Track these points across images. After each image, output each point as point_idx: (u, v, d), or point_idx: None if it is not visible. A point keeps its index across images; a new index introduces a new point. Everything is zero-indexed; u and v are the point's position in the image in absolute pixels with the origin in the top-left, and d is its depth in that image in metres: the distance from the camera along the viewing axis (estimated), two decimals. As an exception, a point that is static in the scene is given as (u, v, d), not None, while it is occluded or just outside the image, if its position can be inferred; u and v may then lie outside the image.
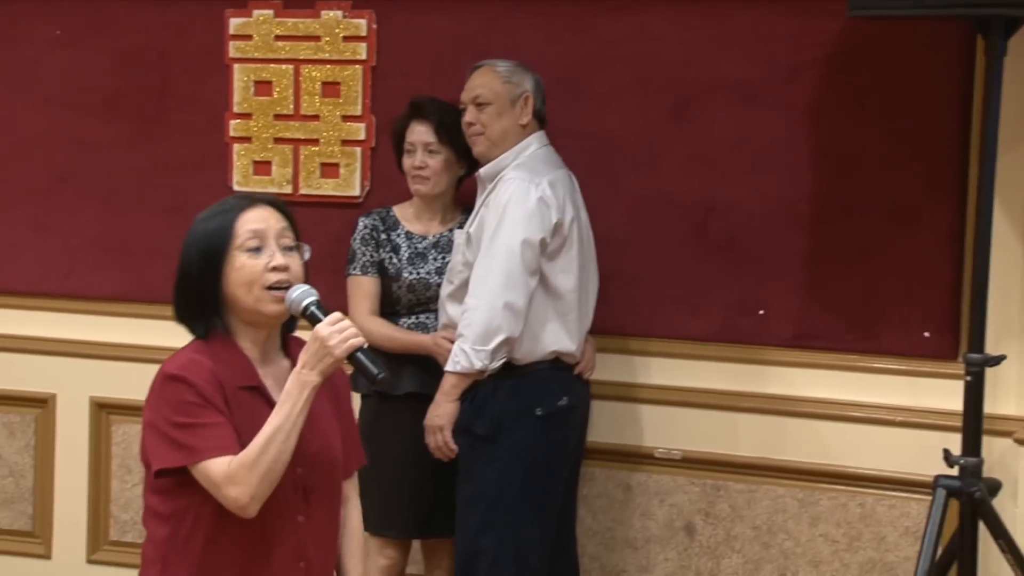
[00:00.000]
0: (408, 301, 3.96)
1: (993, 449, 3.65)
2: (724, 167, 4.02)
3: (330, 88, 4.36)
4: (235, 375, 2.62)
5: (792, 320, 4.00)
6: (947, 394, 3.71)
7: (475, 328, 3.64)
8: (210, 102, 4.47)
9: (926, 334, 3.86)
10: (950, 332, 3.84)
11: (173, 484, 2.58)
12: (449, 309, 3.81)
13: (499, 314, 3.62)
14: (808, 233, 3.95)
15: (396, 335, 3.94)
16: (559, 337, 3.76)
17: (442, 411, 3.73)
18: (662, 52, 4.05)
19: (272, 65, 4.40)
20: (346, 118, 4.35)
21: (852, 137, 3.90)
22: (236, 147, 4.46)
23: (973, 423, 3.39)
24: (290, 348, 2.75)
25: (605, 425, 4.10)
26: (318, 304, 2.63)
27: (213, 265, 2.62)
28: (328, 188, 4.38)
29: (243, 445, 2.54)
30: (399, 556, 4.02)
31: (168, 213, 4.53)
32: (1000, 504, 3.46)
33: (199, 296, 2.65)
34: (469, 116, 3.84)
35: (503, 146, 3.80)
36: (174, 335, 4.45)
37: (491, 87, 3.81)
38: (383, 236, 4.00)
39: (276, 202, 2.74)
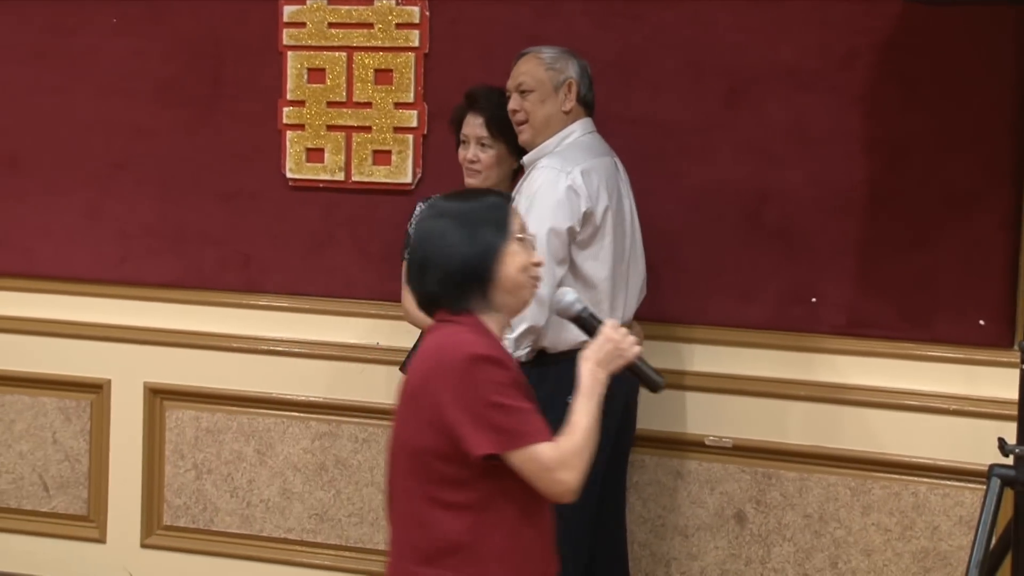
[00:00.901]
0: (456, 285, 3.99)
1: (1049, 438, 3.63)
2: (777, 154, 4.02)
3: (383, 75, 4.39)
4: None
5: (845, 308, 3.99)
6: (1002, 382, 3.70)
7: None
8: (264, 89, 4.51)
9: (981, 322, 3.85)
10: (1006, 320, 3.83)
11: (472, 473, 2.61)
12: None
13: None
14: (861, 221, 3.94)
15: (436, 319, 3.97)
16: None
17: None
18: (715, 38, 4.05)
19: (325, 52, 4.44)
20: (398, 105, 4.38)
21: (906, 124, 3.89)
22: (289, 134, 4.49)
23: (1029, 412, 3.37)
24: None
25: (655, 413, 4.10)
26: (590, 310, 2.86)
27: (494, 251, 2.71)
28: (380, 175, 4.41)
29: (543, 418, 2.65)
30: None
31: (222, 200, 4.59)
32: (1055, 494, 3.44)
33: (470, 278, 2.71)
34: (513, 104, 3.85)
35: (547, 133, 3.81)
36: (227, 321, 4.59)
37: (534, 74, 3.81)
38: (437, 221, 4.03)
39: (511, 199, 2.89)
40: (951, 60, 3.83)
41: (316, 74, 4.46)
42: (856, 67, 3.93)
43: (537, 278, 2.77)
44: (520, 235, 2.75)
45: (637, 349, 2.76)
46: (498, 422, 2.56)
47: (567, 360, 3.73)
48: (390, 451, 2.76)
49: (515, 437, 2.56)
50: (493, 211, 2.75)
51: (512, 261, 2.71)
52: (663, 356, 4.10)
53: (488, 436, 2.56)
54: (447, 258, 2.71)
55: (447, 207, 2.78)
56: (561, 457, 2.58)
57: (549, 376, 3.75)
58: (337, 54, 4.43)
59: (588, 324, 2.83)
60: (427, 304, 2.77)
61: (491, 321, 2.74)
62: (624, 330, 2.77)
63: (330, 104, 4.45)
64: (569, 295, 2.85)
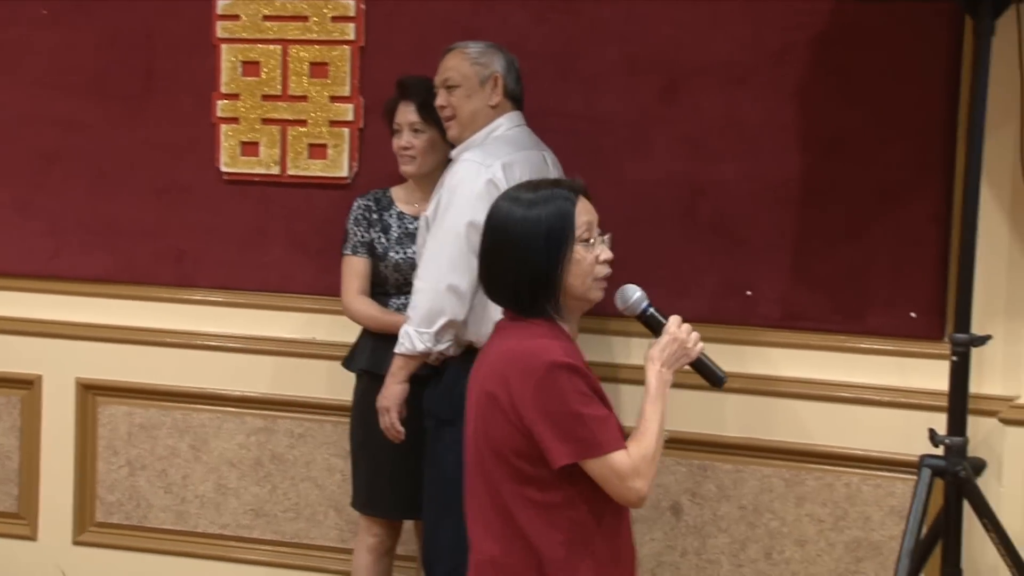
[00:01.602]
0: (395, 281, 4.00)
1: (978, 429, 3.69)
2: (713, 149, 4.05)
3: (318, 68, 4.38)
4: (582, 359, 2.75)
5: (779, 301, 4.04)
6: (933, 374, 3.74)
7: (419, 310, 3.67)
8: (197, 83, 4.49)
9: (912, 314, 3.90)
10: (936, 312, 3.88)
11: (557, 475, 2.64)
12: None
13: (442, 296, 3.64)
14: (796, 214, 3.98)
15: (377, 315, 3.98)
16: None
17: (388, 392, 3.76)
18: (650, 33, 4.08)
19: (260, 45, 4.43)
20: (334, 99, 4.38)
21: (840, 118, 3.94)
22: (223, 128, 4.47)
23: (958, 403, 3.42)
24: None
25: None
26: (655, 307, 2.85)
27: (558, 254, 2.71)
28: (316, 169, 4.40)
29: (619, 427, 2.67)
30: (386, 535, 4.06)
31: (155, 194, 4.56)
32: (984, 483, 3.49)
33: (537, 284, 2.73)
34: (440, 99, 3.85)
35: (473, 127, 3.82)
36: (161, 316, 4.57)
37: (459, 69, 3.82)
38: (375, 216, 4.04)
39: (587, 190, 2.85)
40: (883, 54, 3.88)
41: (250, 67, 4.44)
42: (790, 62, 3.97)
43: (604, 276, 2.77)
44: (587, 235, 2.74)
45: (701, 346, 2.78)
46: (575, 431, 2.61)
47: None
48: (470, 450, 2.79)
49: (592, 446, 2.61)
50: (556, 219, 2.72)
51: (576, 269, 2.72)
52: (598, 350, 4.13)
53: (566, 445, 2.61)
54: (513, 271, 2.75)
55: (514, 214, 2.76)
56: (633, 465, 2.63)
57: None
58: (272, 47, 4.41)
59: (653, 322, 2.82)
60: (501, 303, 2.81)
61: (564, 323, 2.77)
62: (688, 327, 2.77)
63: (265, 97, 4.43)
64: (635, 293, 2.81)
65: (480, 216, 3.64)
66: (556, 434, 2.61)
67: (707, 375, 2.84)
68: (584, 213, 2.75)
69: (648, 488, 2.65)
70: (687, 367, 2.84)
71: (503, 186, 3.68)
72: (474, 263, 3.65)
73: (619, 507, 2.73)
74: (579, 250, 2.72)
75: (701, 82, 4.05)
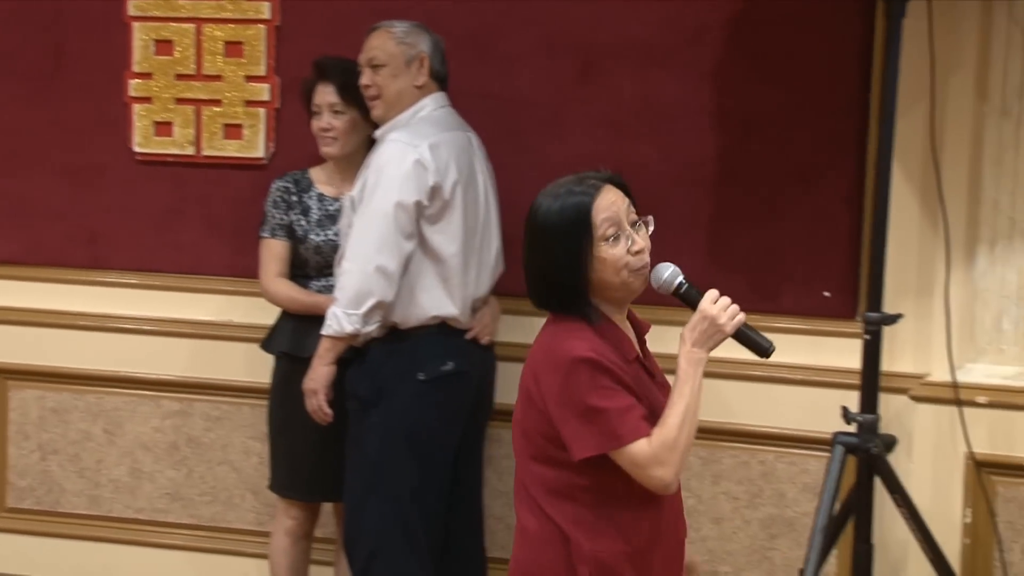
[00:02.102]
0: (316, 263, 3.99)
1: (889, 406, 3.76)
2: (630, 129, 4.08)
3: (233, 48, 4.36)
4: (623, 349, 2.68)
5: (694, 280, 4.02)
6: (846, 352, 3.80)
7: (347, 292, 3.67)
8: (109, 61, 4.44)
9: (826, 293, 3.96)
10: (849, 291, 3.94)
11: (593, 461, 2.62)
12: (337, 272, 3.85)
13: (370, 277, 3.65)
14: (711, 194, 4.03)
15: (299, 297, 3.98)
16: (440, 301, 3.78)
17: (316, 374, 3.76)
18: (568, 14, 4.09)
19: (173, 24, 4.39)
20: (249, 78, 4.35)
21: (754, 99, 3.98)
22: (136, 107, 4.43)
23: (870, 381, 3.49)
24: (630, 314, 2.82)
25: (511, 387, 4.10)
26: (689, 282, 2.72)
27: (578, 258, 2.64)
28: (232, 149, 4.38)
29: (651, 416, 2.62)
30: (304, 518, 4.07)
31: (66, 175, 4.52)
32: (895, 460, 3.57)
33: (569, 286, 2.67)
34: (365, 78, 3.84)
35: (399, 107, 3.82)
36: (73, 298, 4.52)
37: (385, 48, 3.82)
38: (294, 198, 4.02)
39: (615, 179, 2.76)
40: (797, 36, 3.93)
41: (164, 46, 4.40)
42: (706, 42, 4.01)
43: (640, 266, 2.68)
44: (612, 231, 2.65)
45: (737, 320, 2.67)
46: (594, 425, 2.59)
47: (417, 335, 3.79)
48: (515, 442, 2.78)
49: (611, 439, 2.59)
50: (574, 221, 2.65)
51: (606, 267, 2.65)
52: (522, 330, 4.14)
53: (586, 439, 2.60)
54: (540, 277, 2.71)
55: (540, 214, 2.70)
56: (654, 454, 2.60)
57: (401, 352, 3.78)
58: (185, 26, 4.38)
59: (690, 298, 2.72)
60: (543, 307, 2.76)
61: (611, 312, 2.71)
62: (726, 300, 2.69)
63: (179, 77, 4.40)
64: (667, 271, 2.73)
65: (407, 196, 3.67)
66: (577, 427, 2.61)
67: (751, 346, 2.72)
68: (604, 210, 2.67)
69: (672, 475, 2.61)
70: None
71: (430, 166, 3.69)
72: (402, 244, 3.68)
73: (661, 513, 2.72)
74: (605, 248, 2.64)
75: (618, 63, 4.08)
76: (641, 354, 2.76)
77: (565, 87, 4.12)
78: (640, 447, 2.60)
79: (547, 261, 2.68)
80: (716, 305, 2.67)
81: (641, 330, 2.83)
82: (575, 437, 2.62)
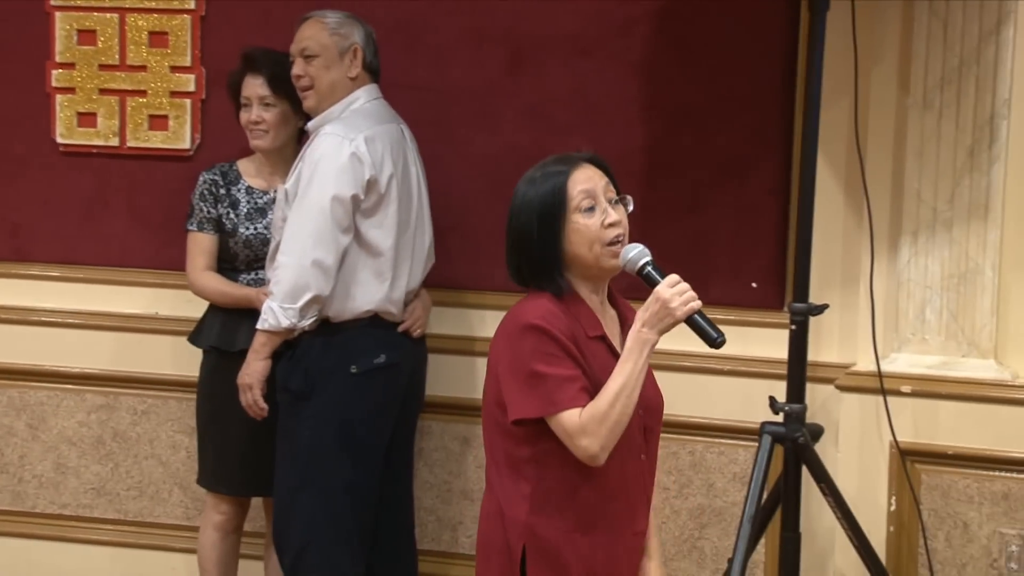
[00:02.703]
0: (246, 257, 3.98)
1: (816, 396, 3.81)
2: (559, 120, 4.10)
3: (157, 38, 4.33)
4: (586, 326, 2.75)
5: (625, 272, 4.08)
6: (773, 343, 3.83)
7: (284, 285, 3.66)
8: (30, 51, 4.40)
9: (753, 285, 4.00)
10: (776, 282, 3.99)
11: (534, 430, 2.70)
12: (269, 266, 3.84)
13: (307, 272, 3.64)
14: (640, 185, 4.03)
15: (227, 289, 3.96)
16: (374, 295, 3.78)
17: (251, 369, 3.75)
18: (497, 5, 4.10)
19: (96, 14, 4.35)
20: (175, 69, 4.33)
21: (682, 91, 4.01)
22: (59, 98, 4.39)
23: (797, 371, 3.53)
24: (615, 299, 2.91)
25: (442, 379, 4.16)
26: (654, 264, 2.76)
27: (552, 229, 2.72)
28: (157, 141, 4.35)
29: (597, 391, 2.68)
30: (234, 512, 4.06)
31: (-12, 166, 4.47)
32: (822, 449, 3.61)
33: (541, 258, 2.74)
34: (297, 69, 3.82)
35: (332, 99, 3.81)
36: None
37: (318, 39, 3.80)
38: (222, 191, 3.99)
39: (594, 158, 2.83)
40: (724, 29, 3.96)
41: (87, 36, 4.36)
42: (634, 34, 4.03)
43: (615, 240, 2.75)
44: (587, 203, 2.73)
45: (690, 307, 2.70)
46: (533, 389, 2.67)
47: (350, 329, 3.79)
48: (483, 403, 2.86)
49: (547, 404, 2.67)
50: (550, 192, 2.73)
51: (579, 239, 2.73)
52: (453, 322, 4.17)
53: (523, 402, 2.68)
54: (515, 250, 2.78)
55: (521, 183, 2.80)
56: (582, 424, 2.66)
57: (334, 345, 3.78)
58: (109, 15, 4.34)
59: (651, 280, 2.75)
60: (520, 284, 2.82)
61: (584, 289, 2.79)
62: (684, 286, 2.72)
63: (102, 67, 4.36)
64: (634, 251, 2.77)
65: (344, 190, 3.67)
66: (516, 390, 2.69)
67: (701, 334, 2.75)
68: (582, 182, 2.75)
69: (598, 447, 2.66)
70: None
71: (366, 160, 3.69)
72: (339, 237, 3.68)
73: (614, 475, 2.75)
74: (579, 219, 2.73)
75: (548, 54, 4.10)
76: (610, 335, 2.81)
77: (495, 78, 4.13)
78: (571, 416, 2.66)
79: (524, 232, 2.75)
80: (672, 289, 2.71)
81: (625, 316, 2.88)
82: (513, 400, 2.69)
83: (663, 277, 2.74)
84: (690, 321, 2.72)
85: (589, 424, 2.65)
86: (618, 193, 2.82)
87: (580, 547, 2.75)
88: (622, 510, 2.81)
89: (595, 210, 2.75)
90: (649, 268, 2.76)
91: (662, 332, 2.72)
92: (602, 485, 2.75)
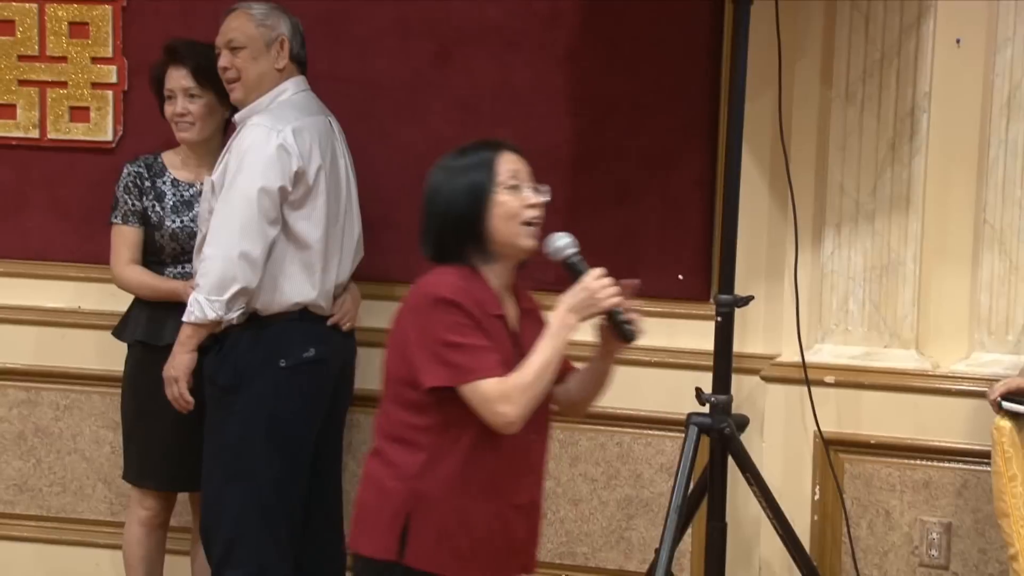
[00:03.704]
0: (172, 250, 3.95)
1: (742, 387, 3.84)
2: (486, 113, 4.10)
3: (78, 28, 4.29)
4: (488, 304, 2.85)
5: (551, 264, 4.07)
6: (700, 334, 3.85)
7: (210, 278, 3.64)
8: (-54, 42, 4.34)
9: (679, 276, 4.02)
10: (702, 274, 4.01)
11: (433, 400, 2.79)
12: (196, 259, 3.82)
13: (234, 264, 3.63)
14: (567, 178, 4.05)
15: (152, 283, 3.93)
16: (303, 288, 3.77)
17: (177, 362, 3.72)
18: (423, -3, 4.10)
19: (14, 4, 4.30)
20: (96, 60, 4.29)
21: (608, 84, 4.03)
22: (-24, 90, 4.35)
23: (723, 362, 3.55)
24: (515, 288, 3.00)
25: (372, 373, 4.11)
26: (579, 256, 2.88)
27: (478, 201, 2.84)
28: (79, 133, 4.32)
29: (500, 359, 2.79)
30: (160, 507, 4.03)
31: (-97, 158, 4.40)
32: (747, 439, 3.64)
33: (461, 230, 2.86)
34: (224, 61, 3.80)
35: (259, 91, 3.79)
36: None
37: (245, 31, 3.78)
38: (147, 184, 3.96)
39: (518, 149, 2.96)
40: (650, 23, 3.97)
41: (5, 26, 4.32)
42: (560, 27, 4.04)
43: (533, 222, 2.88)
44: (513, 182, 2.86)
45: (613, 301, 2.85)
46: (449, 358, 2.76)
47: (279, 322, 3.78)
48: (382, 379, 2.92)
49: (463, 372, 2.77)
50: (478, 165, 2.86)
51: (501, 212, 2.84)
52: (381, 316, 4.10)
53: (439, 370, 2.77)
54: (438, 220, 2.89)
55: (441, 163, 2.91)
56: (504, 391, 2.77)
57: (262, 338, 3.77)
58: (27, 5, 4.30)
59: (575, 270, 2.91)
60: (436, 260, 2.91)
61: (491, 271, 2.89)
62: (607, 280, 2.86)
63: (21, 58, 4.32)
64: (562, 239, 2.93)
65: (271, 182, 3.65)
66: (430, 360, 2.77)
67: (617, 330, 2.91)
68: (509, 162, 2.89)
69: (516, 414, 2.77)
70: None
71: (294, 151, 3.68)
72: (266, 229, 3.67)
73: (499, 437, 2.83)
74: (503, 193, 2.85)
75: (474, 47, 4.10)
76: (510, 320, 2.91)
77: (421, 70, 4.13)
78: (492, 382, 2.77)
79: (451, 205, 2.87)
80: (599, 282, 2.86)
81: (523, 303, 3.00)
82: (427, 369, 2.78)
83: (588, 269, 2.88)
84: (610, 314, 2.87)
85: (513, 392, 2.77)
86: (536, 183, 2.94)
87: (465, 515, 2.85)
88: (510, 482, 2.91)
89: (520, 190, 2.88)
90: (575, 258, 2.92)
91: (583, 319, 2.86)
92: (495, 457, 2.86)
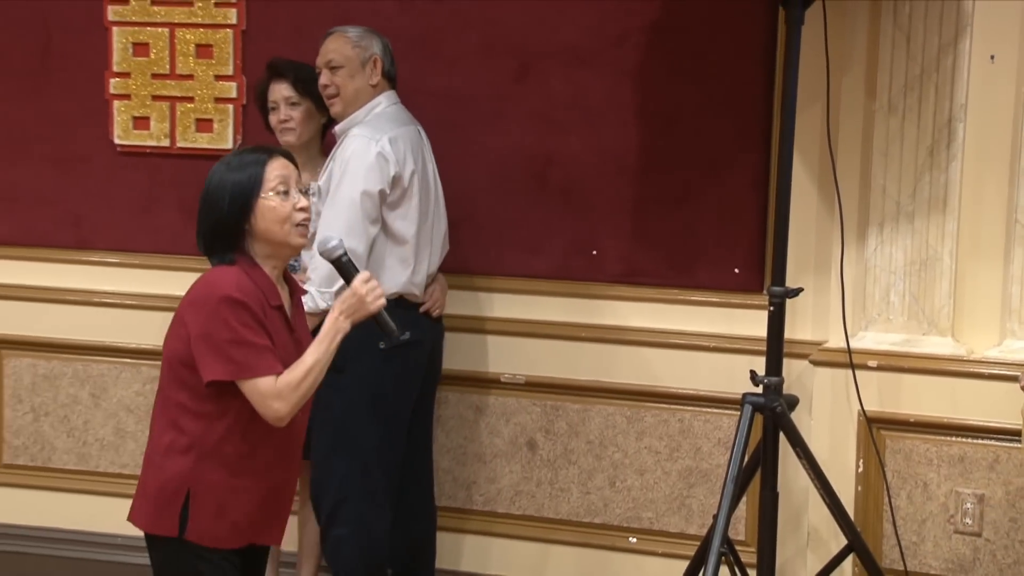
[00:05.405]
0: (279, 247, 3.94)
1: (792, 370, 3.77)
2: (561, 123, 4.06)
3: (203, 50, 4.29)
4: (269, 295, 2.80)
5: (621, 259, 4.07)
6: (754, 322, 3.80)
7: (320, 272, 3.63)
8: (91, 62, 4.37)
9: (736, 270, 3.96)
10: (756, 268, 3.95)
11: (214, 389, 2.74)
12: (304, 255, 3.80)
13: None
14: (634, 182, 4.01)
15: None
16: (400, 279, 3.74)
17: None
18: (505, 19, 4.06)
19: (149, 28, 4.31)
20: (219, 77, 4.29)
21: (671, 96, 3.97)
22: (116, 104, 4.36)
23: (775, 347, 3.49)
24: (287, 278, 2.96)
25: (458, 354, 4.13)
26: (348, 258, 2.87)
27: (245, 205, 2.77)
28: (203, 142, 4.32)
29: (277, 357, 2.76)
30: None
31: (53, 165, 4.45)
32: (797, 417, 3.56)
33: (229, 228, 2.78)
34: (324, 79, 3.80)
35: (356, 105, 3.78)
36: (61, 276, 4.46)
37: (342, 51, 3.77)
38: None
39: (288, 153, 2.90)
40: (710, 41, 3.91)
41: (141, 48, 4.33)
42: (628, 46, 3.98)
43: (303, 223, 2.81)
44: (282, 187, 2.78)
45: (380, 303, 2.82)
46: (231, 355, 2.70)
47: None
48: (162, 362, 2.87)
49: (243, 369, 2.71)
50: (247, 169, 2.78)
51: (270, 215, 2.77)
52: (465, 304, 4.13)
53: (220, 365, 2.71)
54: (207, 219, 2.81)
55: (216, 168, 2.83)
56: (277, 390, 2.73)
57: (363, 324, 3.73)
58: (160, 30, 4.30)
59: (345, 270, 2.87)
60: (207, 254, 2.85)
61: (266, 264, 2.83)
62: (373, 284, 2.82)
63: (154, 76, 4.33)
64: (334, 241, 2.88)
65: (372, 185, 3.64)
66: (213, 355, 2.71)
67: (384, 328, 2.89)
68: (279, 168, 2.81)
69: (287, 411, 2.74)
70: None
71: (391, 158, 3.66)
72: (368, 228, 3.65)
73: (275, 431, 2.79)
74: (273, 198, 2.77)
75: (550, 64, 4.05)
76: (287, 308, 2.87)
77: (502, 85, 4.08)
78: (268, 380, 2.72)
79: (219, 206, 2.77)
80: (367, 286, 2.82)
81: (295, 292, 2.95)
82: (208, 363, 2.71)
83: (356, 270, 2.85)
84: (378, 315, 2.84)
85: (284, 390, 2.73)
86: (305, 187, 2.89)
87: (239, 491, 2.80)
88: (280, 459, 2.87)
89: (290, 194, 2.80)
90: (345, 260, 2.87)
91: (355, 323, 2.82)
92: (267, 439, 2.80)
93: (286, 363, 2.78)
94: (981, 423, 3.66)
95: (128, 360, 4.45)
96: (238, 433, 2.78)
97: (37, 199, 4.45)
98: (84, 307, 4.46)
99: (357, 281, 2.81)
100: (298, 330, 2.89)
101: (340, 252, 2.86)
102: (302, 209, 2.81)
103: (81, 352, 4.48)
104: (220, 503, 2.79)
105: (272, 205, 2.77)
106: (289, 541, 4.13)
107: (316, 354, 2.78)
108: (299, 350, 2.83)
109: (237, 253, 2.80)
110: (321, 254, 2.89)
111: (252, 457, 2.80)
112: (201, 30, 4.27)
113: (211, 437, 2.77)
